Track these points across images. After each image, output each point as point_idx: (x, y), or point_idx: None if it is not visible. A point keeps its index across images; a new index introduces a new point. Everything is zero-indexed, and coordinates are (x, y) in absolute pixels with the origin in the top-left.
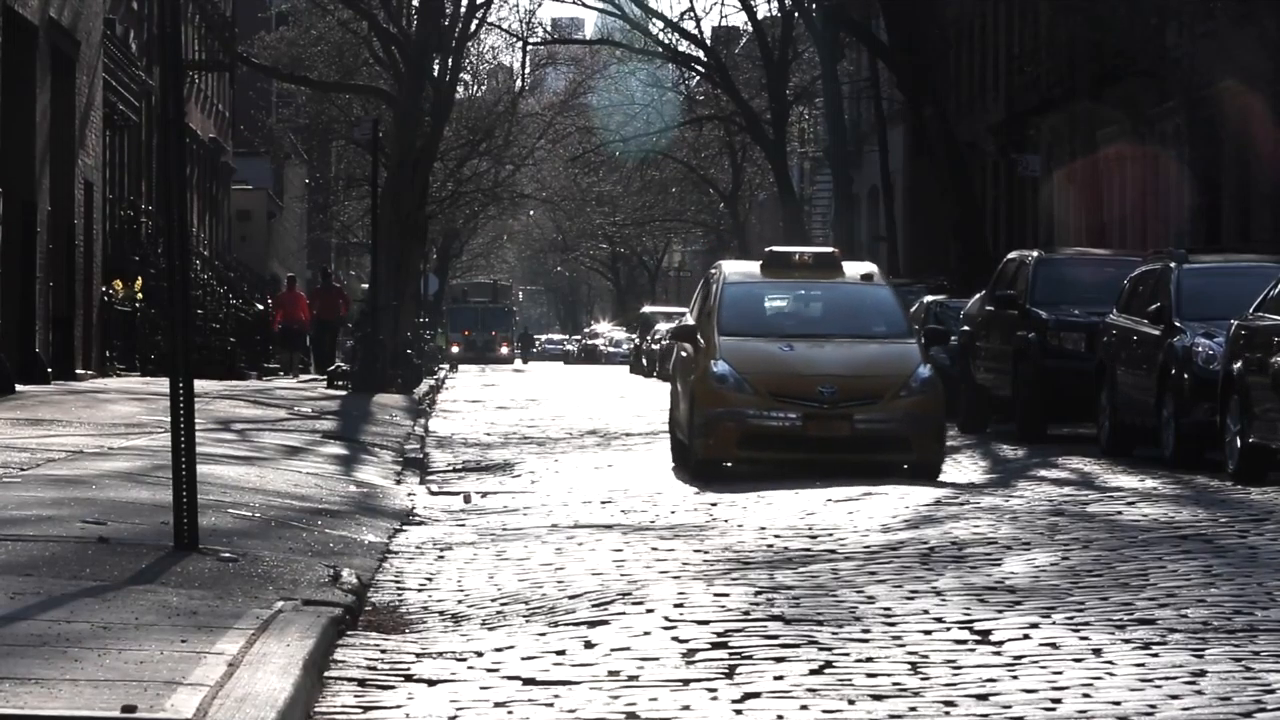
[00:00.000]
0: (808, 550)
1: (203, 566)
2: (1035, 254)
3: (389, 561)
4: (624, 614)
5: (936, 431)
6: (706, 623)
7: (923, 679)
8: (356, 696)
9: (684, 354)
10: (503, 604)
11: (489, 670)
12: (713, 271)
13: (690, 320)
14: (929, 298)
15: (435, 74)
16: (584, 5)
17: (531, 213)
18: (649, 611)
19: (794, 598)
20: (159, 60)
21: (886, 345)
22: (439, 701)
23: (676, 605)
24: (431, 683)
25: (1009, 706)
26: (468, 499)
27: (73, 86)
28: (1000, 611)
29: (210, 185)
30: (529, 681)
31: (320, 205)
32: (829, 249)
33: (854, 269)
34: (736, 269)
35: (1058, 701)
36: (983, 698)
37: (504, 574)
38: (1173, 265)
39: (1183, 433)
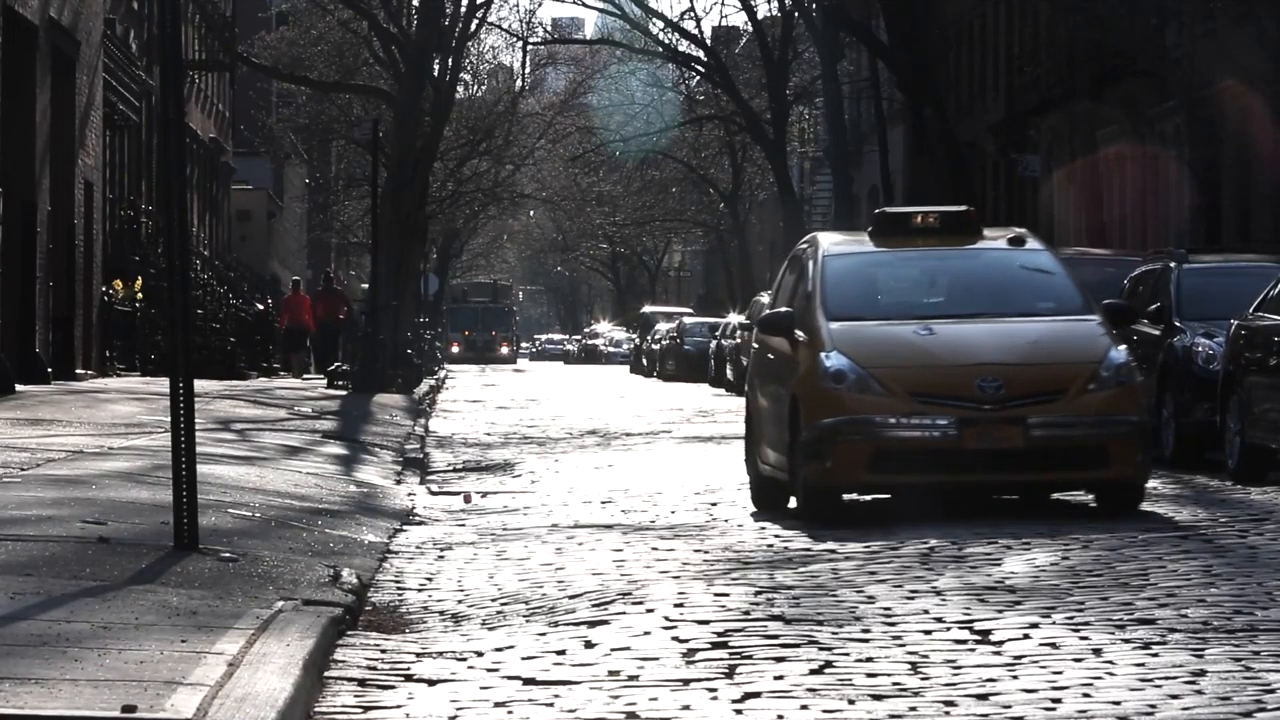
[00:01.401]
0: (808, 550)
1: (203, 566)
2: None
3: (389, 561)
4: (624, 614)
5: (1139, 437)
6: (706, 622)
7: (923, 679)
8: (356, 696)
9: (770, 355)
10: (503, 604)
11: (489, 670)
12: (803, 246)
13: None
14: None
15: (435, 74)
16: (584, 5)
17: (531, 213)
18: (649, 611)
19: (794, 597)
20: (159, 60)
21: (1061, 323)
22: (439, 701)
23: (676, 605)
24: (431, 683)
25: (1009, 706)
26: (468, 499)
27: (73, 86)
28: (1000, 611)
29: (210, 185)
30: (529, 681)
31: (320, 205)
32: (961, 207)
33: (996, 232)
34: (837, 240)
35: (1058, 701)
36: (983, 697)
37: (504, 574)
38: (1173, 265)
39: (1183, 433)
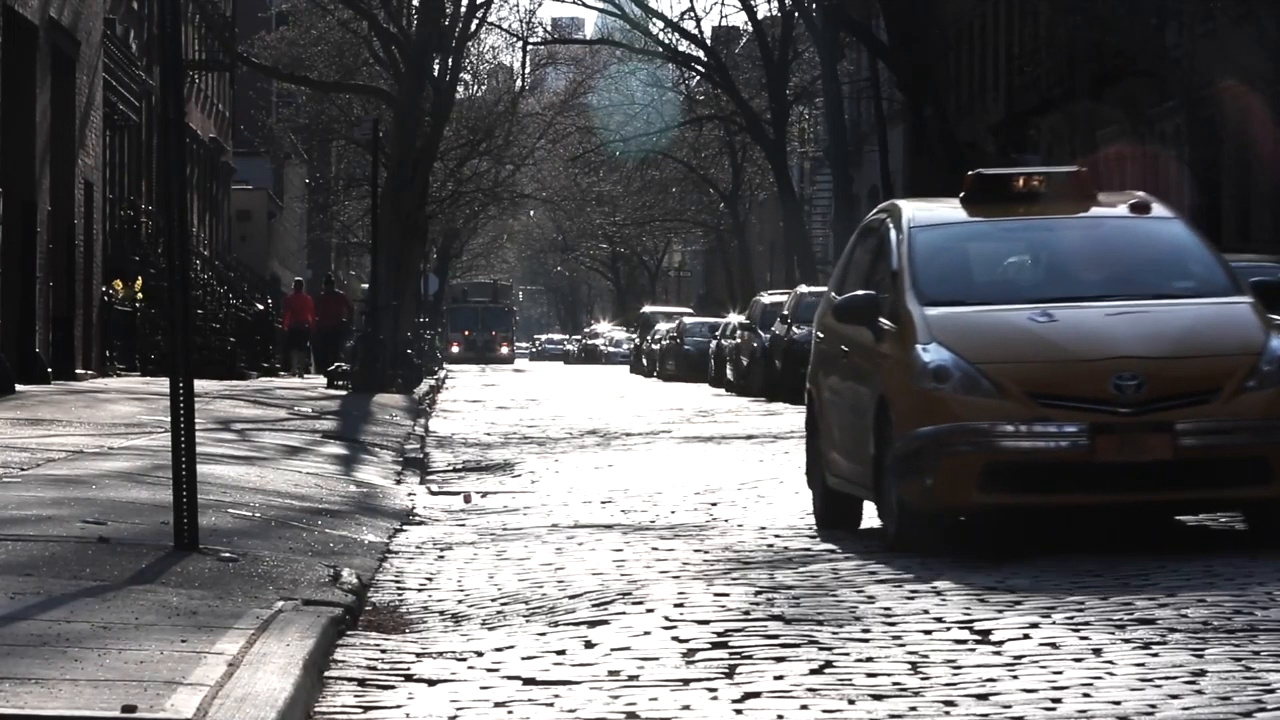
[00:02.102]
0: (808, 550)
1: (203, 566)
2: None
3: (389, 561)
4: (624, 614)
5: None
6: (706, 622)
7: (923, 679)
8: (356, 696)
9: (844, 348)
10: (503, 604)
11: (489, 670)
12: (879, 216)
13: (843, 294)
14: None
15: (435, 74)
16: (584, 5)
17: (531, 213)
18: (649, 611)
19: (794, 597)
20: (159, 60)
21: (1207, 307)
22: (439, 701)
23: (676, 605)
24: (431, 683)
25: (1009, 706)
26: (468, 499)
27: (73, 86)
28: (1000, 611)
29: (210, 185)
30: (529, 681)
31: (320, 205)
32: (1072, 167)
33: (1113, 197)
34: (923, 208)
35: (1058, 701)
36: (983, 697)
37: (504, 574)
38: None
39: None
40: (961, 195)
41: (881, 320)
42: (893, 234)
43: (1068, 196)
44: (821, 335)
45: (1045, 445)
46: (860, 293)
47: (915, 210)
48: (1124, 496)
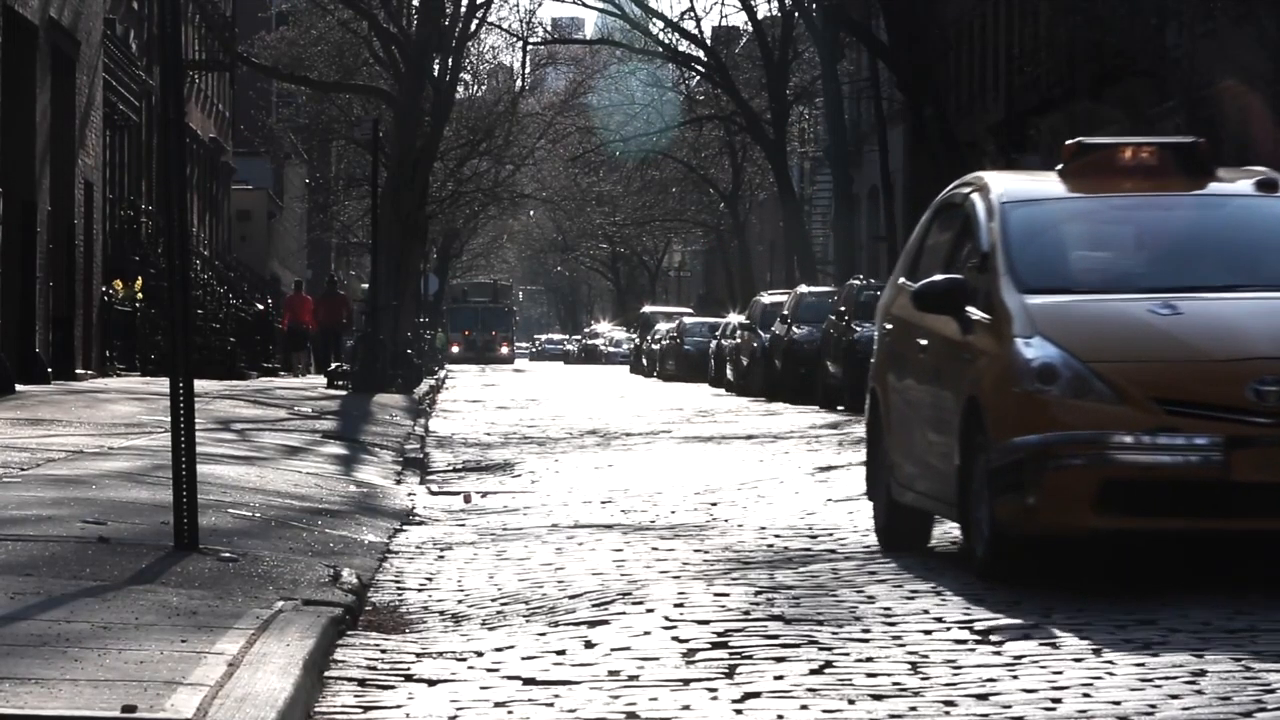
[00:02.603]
0: (808, 550)
1: (203, 566)
2: None
3: (389, 561)
4: (624, 614)
5: None
6: (706, 622)
7: (923, 679)
8: (356, 696)
9: (921, 341)
10: (503, 604)
11: (489, 670)
12: (962, 190)
13: (917, 280)
14: None
15: (435, 74)
16: (584, 5)
17: (531, 213)
18: (649, 611)
19: (794, 597)
20: (159, 60)
21: None
22: (439, 701)
23: (676, 605)
24: (431, 683)
25: (1009, 706)
26: (468, 499)
27: (73, 86)
28: (1000, 611)
29: (210, 185)
30: (529, 681)
31: (320, 205)
32: (1188, 138)
33: (1234, 173)
34: (1015, 181)
35: (1058, 701)
36: (983, 697)
37: (504, 574)
38: None
39: None
40: (1059, 167)
41: (970, 310)
42: (980, 211)
43: (1182, 171)
44: (889, 327)
45: (1171, 460)
46: (944, 276)
47: (1007, 184)
48: (1264, 522)
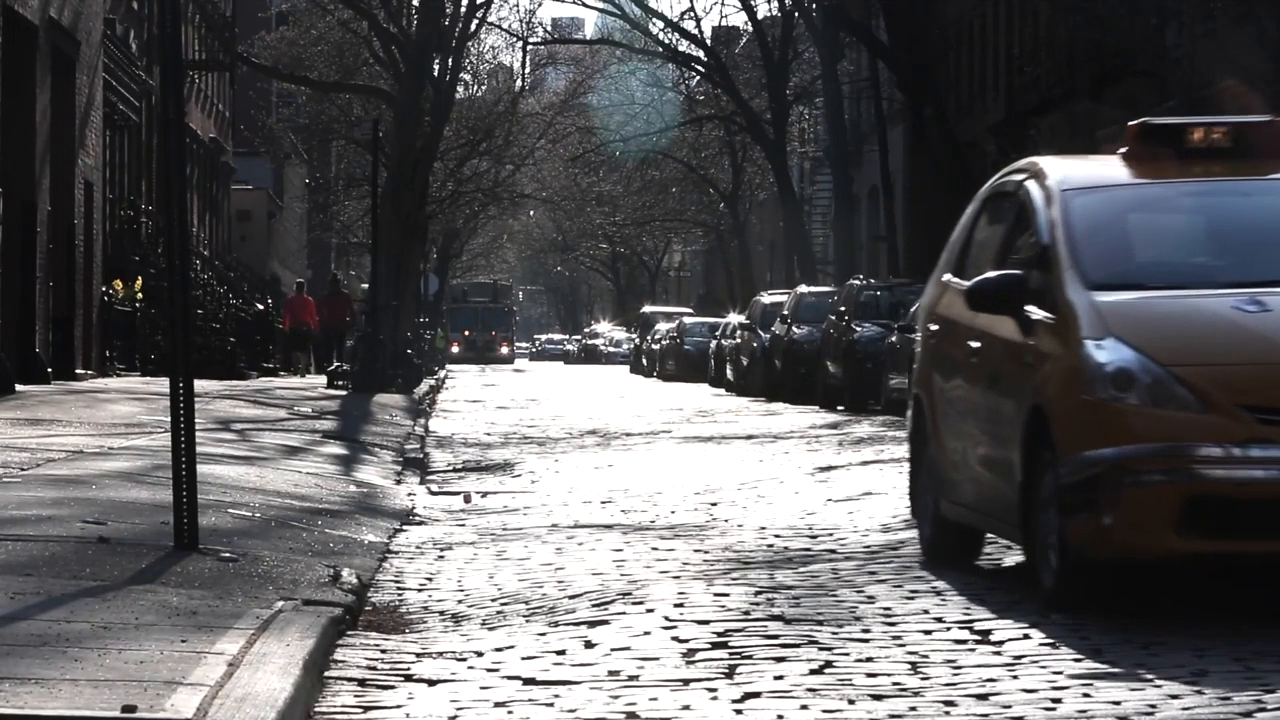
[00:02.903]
0: (808, 550)
1: (203, 566)
2: None
3: (389, 561)
4: (624, 614)
5: None
6: (706, 622)
7: (923, 679)
8: (356, 696)
9: (974, 344)
10: (503, 604)
11: (489, 670)
12: (1016, 178)
13: (965, 277)
14: None
15: (435, 74)
16: (584, 5)
17: (531, 213)
18: (649, 611)
19: (794, 597)
20: (159, 60)
21: None
22: (439, 701)
23: (676, 605)
24: (431, 683)
25: (1009, 706)
26: (468, 499)
27: (73, 86)
28: (1000, 611)
29: (210, 185)
30: (529, 681)
31: (320, 205)
32: (1263, 117)
33: None
34: (1076, 168)
35: (1058, 701)
36: (983, 697)
37: (504, 574)
38: None
39: None
40: (1121, 150)
41: (1030, 309)
42: (1038, 199)
43: (1258, 154)
44: (934, 328)
45: (1266, 475)
46: (1000, 273)
47: (1066, 169)
48: None
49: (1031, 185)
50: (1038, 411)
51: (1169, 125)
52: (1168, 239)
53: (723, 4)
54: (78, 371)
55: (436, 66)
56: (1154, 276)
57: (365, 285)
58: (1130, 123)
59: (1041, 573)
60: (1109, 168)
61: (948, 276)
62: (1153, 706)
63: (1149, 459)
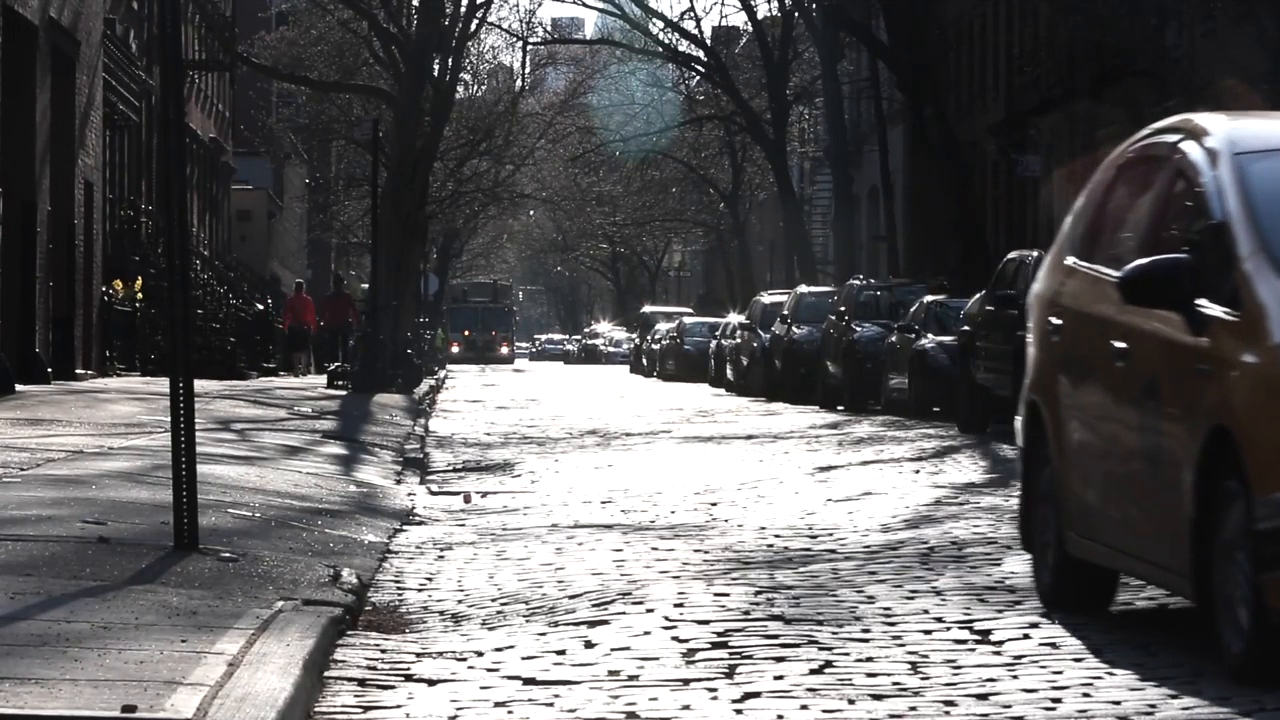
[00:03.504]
0: (808, 550)
1: (203, 566)
2: (1035, 254)
3: (389, 561)
4: (624, 614)
5: None
6: (706, 622)
7: (923, 679)
8: (356, 696)
9: (1120, 343)
10: (503, 604)
11: (489, 670)
12: (1169, 139)
13: (1095, 260)
14: (929, 298)
15: (435, 74)
16: (584, 5)
17: (531, 213)
18: (649, 611)
19: (794, 597)
20: (159, 60)
21: None
22: (439, 701)
23: (676, 605)
24: (431, 682)
25: (1009, 706)
26: (468, 499)
27: (73, 86)
28: (1000, 611)
29: (210, 185)
30: (529, 681)
31: (320, 205)
32: None
33: None
34: (1247, 128)
35: (1058, 701)
36: (983, 697)
37: (504, 574)
38: None
39: None
40: None
41: (1202, 303)
42: (1202, 165)
43: None
44: (1058, 322)
45: None
46: (1163, 257)
47: (1235, 128)
48: None
49: (1190, 148)
50: (1220, 434)
51: None
52: None
53: (723, 4)
54: (78, 371)
55: (436, 66)
56: None
57: (365, 285)
58: None
59: (1223, 633)
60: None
61: (1071, 260)
62: (1152, 706)
63: None
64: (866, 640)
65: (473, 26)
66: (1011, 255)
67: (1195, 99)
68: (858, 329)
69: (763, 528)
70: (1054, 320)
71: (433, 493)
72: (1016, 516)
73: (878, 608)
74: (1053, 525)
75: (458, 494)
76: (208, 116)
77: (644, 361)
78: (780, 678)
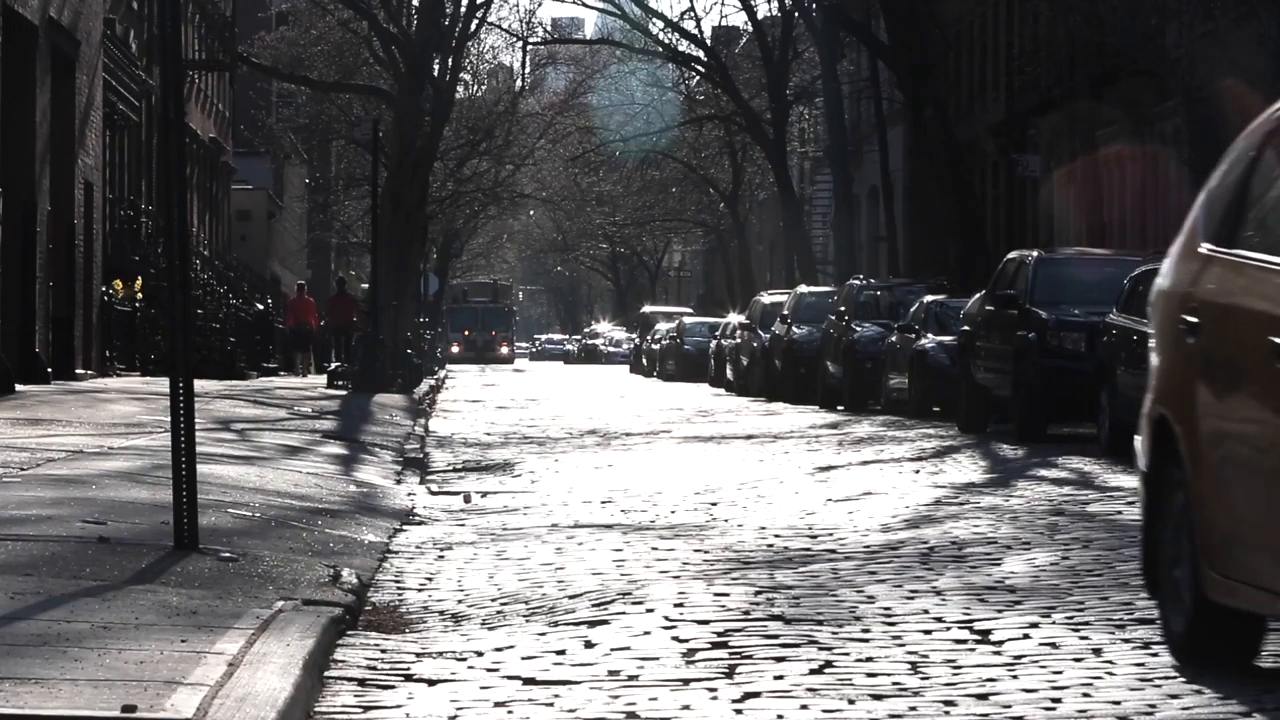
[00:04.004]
0: (808, 550)
1: (203, 566)
2: (1035, 254)
3: (389, 561)
4: (624, 614)
5: None
6: (706, 622)
7: (923, 678)
8: (356, 696)
9: (1277, 338)
10: (503, 604)
11: (489, 670)
12: None
13: (1242, 246)
14: (929, 298)
15: (435, 74)
16: (584, 5)
17: (531, 213)
18: (649, 611)
19: (794, 597)
20: (159, 60)
21: None
22: (439, 701)
23: (676, 605)
24: (431, 682)
25: (1009, 706)
26: (468, 499)
27: (73, 86)
28: (1000, 611)
29: (210, 185)
30: (529, 681)
31: (320, 205)
32: None
33: None
34: None
35: (1058, 701)
36: (983, 697)
37: (504, 574)
38: None
39: None
40: None
41: None
42: None
43: None
44: (1194, 321)
45: None
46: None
47: None
48: None
49: None
50: None
51: None
52: None
53: (723, 4)
54: (78, 371)
55: (436, 66)
56: None
57: (365, 285)
58: None
59: None
60: None
61: (1208, 247)
62: (1152, 706)
63: None
64: (866, 640)
65: (473, 26)
66: (1011, 255)
67: (1195, 99)
68: (858, 329)
69: (763, 527)
70: (1189, 319)
71: (433, 493)
72: (1141, 550)
73: (878, 607)
74: (1185, 562)
75: (458, 494)
76: (208, 116)
77: (644, 361)
78: (780, 678)
